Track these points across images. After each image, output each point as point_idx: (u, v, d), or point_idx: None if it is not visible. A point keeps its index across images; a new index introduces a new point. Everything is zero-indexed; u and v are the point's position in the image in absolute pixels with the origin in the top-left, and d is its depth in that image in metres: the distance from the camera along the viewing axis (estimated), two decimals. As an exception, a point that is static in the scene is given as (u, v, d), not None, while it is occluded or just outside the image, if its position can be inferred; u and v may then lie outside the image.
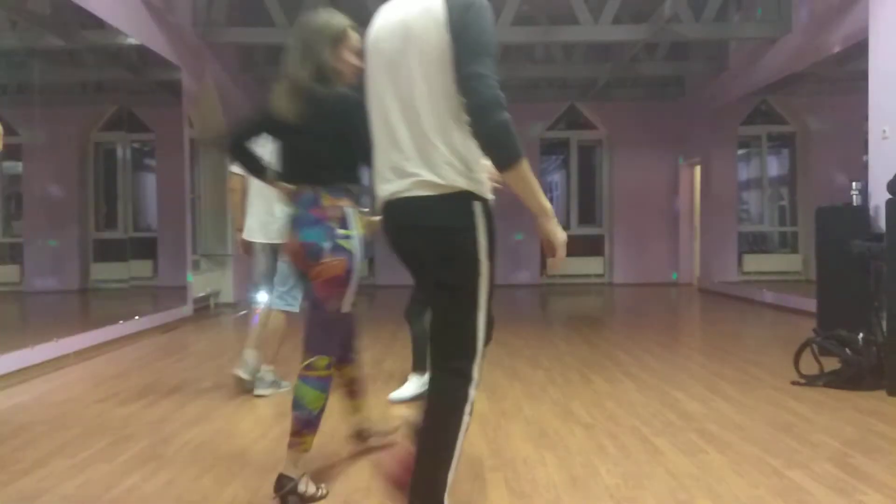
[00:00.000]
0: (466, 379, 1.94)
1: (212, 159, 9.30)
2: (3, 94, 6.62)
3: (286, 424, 3.50)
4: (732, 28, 8.98)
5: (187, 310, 7.89)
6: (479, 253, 1.90)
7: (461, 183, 1.88)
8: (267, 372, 4.28)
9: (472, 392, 1.94)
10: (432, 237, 1.93)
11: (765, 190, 11.45)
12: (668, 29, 8.21)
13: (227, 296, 9.42)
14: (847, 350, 4.27)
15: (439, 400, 1.97)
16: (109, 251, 7.66)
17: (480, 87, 1.78)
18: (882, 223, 4.68)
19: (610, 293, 11.17)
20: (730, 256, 10.78)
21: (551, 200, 14.11)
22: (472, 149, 1.88)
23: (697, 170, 11.56)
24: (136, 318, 6.62)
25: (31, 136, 6.03)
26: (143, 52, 6.84)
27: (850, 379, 4.17)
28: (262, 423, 3.55)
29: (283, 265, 4.03)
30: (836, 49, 6.95)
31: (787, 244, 11.41)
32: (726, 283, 10.39)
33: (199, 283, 8.55)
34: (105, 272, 7.29)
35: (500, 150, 1.81)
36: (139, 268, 7.79)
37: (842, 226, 5.24)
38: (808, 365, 4.38)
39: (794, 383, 4.29)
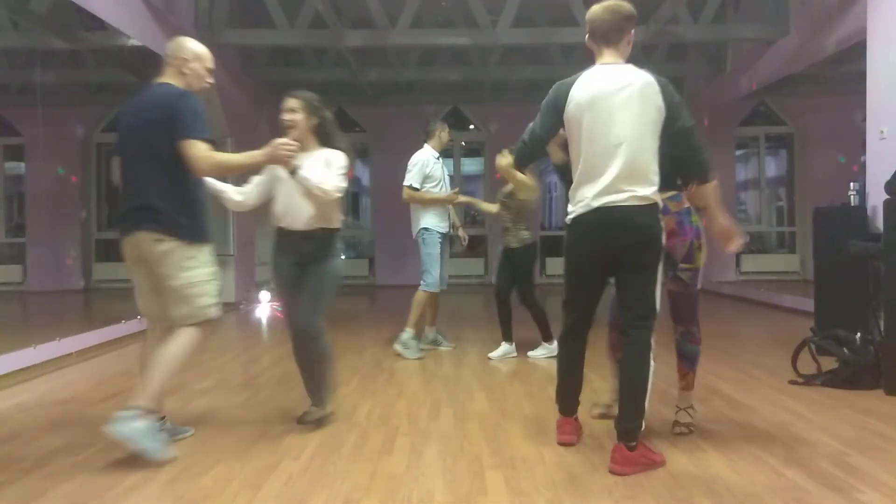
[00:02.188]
0: (650, 331, 2.87)
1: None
2: (6, 95, 6.65)
3: (286, 423, 3.54)
4: (730, 29, 9.01)
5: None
6: (662, 243, 2.88)
7: (655, 198, 2.83)
8: (409, 338, 5.38)
9: (653, 341, 2.87)
10: (639, 232, 2.80)
11: (763, 190, 11.48)
12: (666, 30, 8.24)
13: (229, 295, 9.43)
14: (845, 350, 4.29)
15: (634, 349, 2.85)
16: (112, 251, 7.69)
17: (696, 134, 2.97)
18: (879, 223, 4.71)
19: (609, 293, 11.16)
20: (728, 256, 10.80)
21: (551, 201, 14.21)
22: (658, 175, 2.85)
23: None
24: (138, 317, 6.63)
25: (33, 136, 6.05)
26: (144, 53, 6.85)
27: (847, 378, 4.19)
28: (262, 422, 3.57)
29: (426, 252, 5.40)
30: (834, 50, 6.98)
31: (785, 244, 11.44)
32: (724, 282, 10.42)
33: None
34: (107, 272, 7.32)
35: (704, 173, 3.01)
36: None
37: (839, 226, 5.26)
38: (806, 364, 4.40)
39: (791, 382, 4.32)
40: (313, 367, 3.49)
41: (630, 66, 2.90)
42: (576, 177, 2.91)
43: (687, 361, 3.34)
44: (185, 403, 4.00)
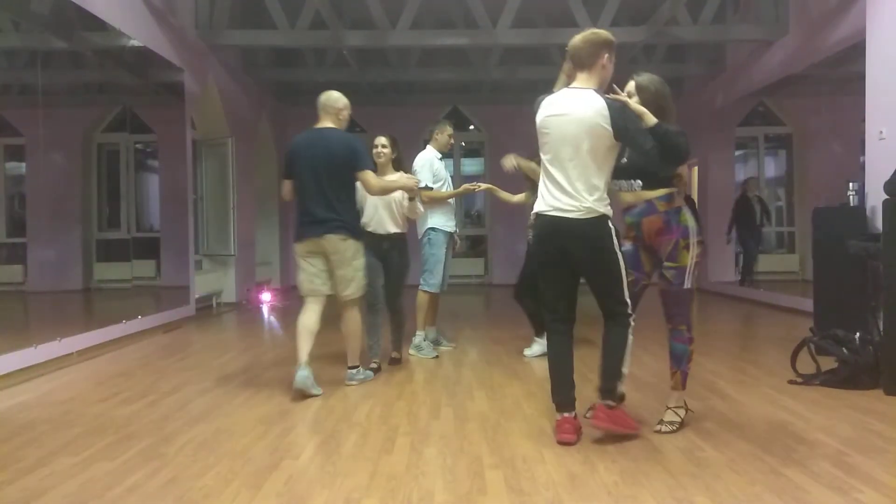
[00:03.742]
0: (626, 316, 3.22)
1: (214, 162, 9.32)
2: (7, 96, 6.65)
3: (287, 422, 3.55)
4: (730, 30, 9.01)
5: (189, 309, 7.92)
6: (616, 248, 3.16)
7: (604, 210, 3.13)
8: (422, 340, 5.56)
9: (631, 321, 3.22)
10: (589, 242, 3.14)
11: (762, 191, 11.47)
12: (666, 31, 8.25)
13: (230, 295, 9.44)
14: (844, 349, 4.30)
15: (613, 330, 3.23)
16: (112, 251, 7.69)
17: (653, 154, 3.10)
18: (878, 223, 4.71)
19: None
20: (727, 256, 10.80)
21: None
22: (606, 189, 3.17)
23: (695, 171, 11.57)
24: (139, 317, 6.64)
25: (34, 136, 6.05)
26: (145, 53, 6.86)
27: (846, 378, 4.19)
28: (263, 422, 3.58)
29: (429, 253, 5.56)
30: (833, 51, 6.98)
31: (784, 244, 11.43)
32: (724, 282, 10.41)
33: (200, 283, 8.57)
34: (108, 272, 7.34)
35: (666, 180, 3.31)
36: (142, 268, 7.81)
37: (838, 226, 5.26)
38: (805, 364, 4.41)
39: (791, 382, 4.32)
40: (396, 327, 5.07)
41: (589, 92, 3.14)
42: (541, 179, 3.29)
43: (673, 360, 3.39)
44: (185, 403, 4.02)
